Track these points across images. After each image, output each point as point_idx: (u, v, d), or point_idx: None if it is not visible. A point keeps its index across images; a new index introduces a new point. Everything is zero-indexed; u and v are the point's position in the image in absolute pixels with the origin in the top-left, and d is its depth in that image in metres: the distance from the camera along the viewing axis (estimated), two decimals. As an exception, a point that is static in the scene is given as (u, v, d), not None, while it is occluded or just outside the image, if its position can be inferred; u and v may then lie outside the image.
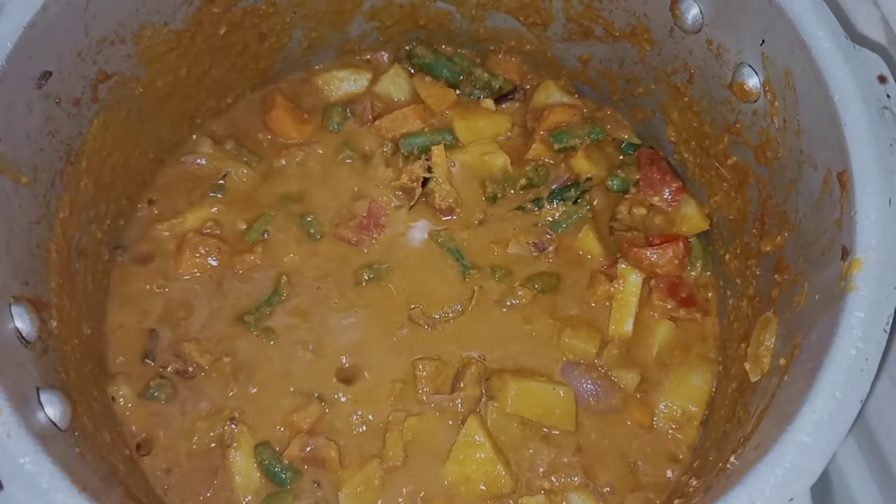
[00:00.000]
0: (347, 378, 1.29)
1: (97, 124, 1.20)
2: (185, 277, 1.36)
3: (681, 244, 1.36)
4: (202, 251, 1.36)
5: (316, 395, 1.28)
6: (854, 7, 1.22)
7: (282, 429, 1.25)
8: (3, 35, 1.00)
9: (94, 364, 1.21)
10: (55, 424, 0.96)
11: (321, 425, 1.25)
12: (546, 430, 1.26)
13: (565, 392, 1.26)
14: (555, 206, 1.42)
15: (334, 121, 1.49)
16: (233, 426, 1.23)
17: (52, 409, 0.96)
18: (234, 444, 1.22)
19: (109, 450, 1.10)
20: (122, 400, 1.24)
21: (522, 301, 1.35)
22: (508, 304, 1.35)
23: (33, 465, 0.84)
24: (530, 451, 1.24)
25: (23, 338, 0.99)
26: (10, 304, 0.98)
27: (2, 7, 1.02)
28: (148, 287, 1.35)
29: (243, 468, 1.21)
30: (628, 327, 1.33)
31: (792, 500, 0.82)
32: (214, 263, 1.37)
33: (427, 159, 1.42)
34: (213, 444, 1.23)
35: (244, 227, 1.41)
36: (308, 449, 1.22)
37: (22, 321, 0.99)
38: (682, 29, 1.25)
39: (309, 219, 1.40)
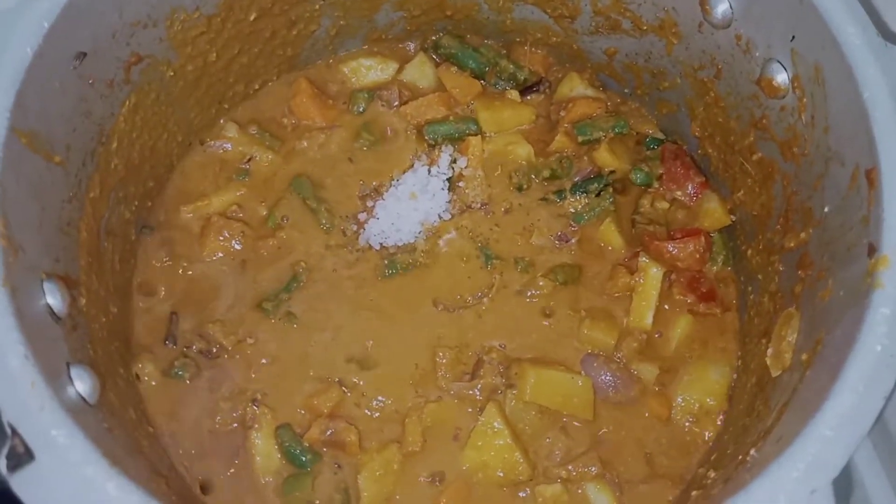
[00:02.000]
0: (367, 364, 1.30)
1: (128, 106, 1.22)
2: (210, 260, 1.37)
3: (702, 239, 1.37)
4: (226, 234, 1.38)
5: (336, 379, 1.29)
6: (885, 4, 1.22)
7: (303, 412, 1.26)
8: (41, 15, 1.01)
9: (119, 342, 1.23)
10: (84, 399, 0.97)
11: (341, 409, 1.27)
12: (564, 420, 1.27)
13: (584, 381, 1.27)
14: (577, 197, 1.43)
15: (359, 104, 1.50)
16: (255, 407, 1.25)
17: (82, 384, 0.98)
18: (256, 426, 1.24)
19: (134, 426, 1.12)
20: (146, 378, 1.26)
21: (544, 291, 1.35)
22: (530, 294, 1.36)
23: (65, 438, 0.85)
24: (548, 440, 1.25)
25: (54, 314, 1.00)
26: (42, 281, 1.00)
27: (38, -13, 1.03)
28: (173, 268, 1.36)
29: (264, 449, 1.23)
30: (648, 320, 1.33)
31: (814, 492, 0.82)
32: (238, 247, 1.38)
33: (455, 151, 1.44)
34: (235, 425, 1.25)
35: (266, 212, 1.42)
36: (328, 433, 1.23)
37: (53, 297, 1.00)
38: (711, 24, 1.25)
39: (325, 206, 1.41)
